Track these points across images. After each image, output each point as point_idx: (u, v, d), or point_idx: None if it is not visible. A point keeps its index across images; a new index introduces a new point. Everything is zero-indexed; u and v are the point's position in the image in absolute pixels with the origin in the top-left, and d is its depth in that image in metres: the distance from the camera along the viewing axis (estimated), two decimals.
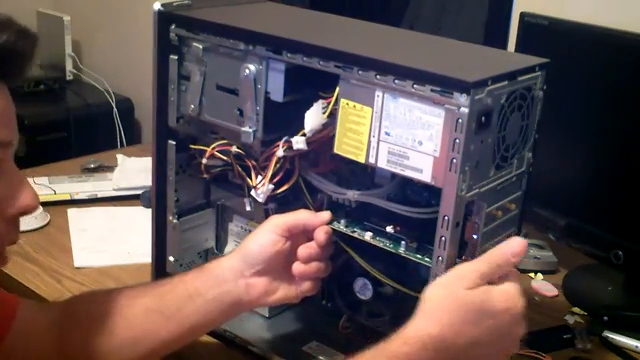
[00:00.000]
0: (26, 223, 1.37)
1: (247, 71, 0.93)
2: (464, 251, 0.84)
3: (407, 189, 0.91)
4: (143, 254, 1.23)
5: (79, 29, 2.48)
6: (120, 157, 1.68)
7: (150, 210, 1.08)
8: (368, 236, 0.92)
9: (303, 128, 0.90)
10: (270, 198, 0.97)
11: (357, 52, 0.84)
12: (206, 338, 1.03)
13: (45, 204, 1.44)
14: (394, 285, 0.92)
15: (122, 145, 2.32)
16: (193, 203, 1.09)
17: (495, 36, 1.48)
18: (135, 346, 0.90)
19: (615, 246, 1.20)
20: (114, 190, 1.55)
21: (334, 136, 0.87)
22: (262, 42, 0.91)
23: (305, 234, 0.93)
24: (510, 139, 0.85)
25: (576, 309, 1.23)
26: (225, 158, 0.99)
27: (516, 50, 1.29)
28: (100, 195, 1.53)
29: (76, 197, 1.51)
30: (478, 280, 0.77)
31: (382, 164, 0.84)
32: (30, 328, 0.89)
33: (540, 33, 1.27)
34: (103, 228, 1.41)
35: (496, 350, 0.78)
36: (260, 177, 0.97)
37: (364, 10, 1.68)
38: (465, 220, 0.82)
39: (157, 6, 0.99)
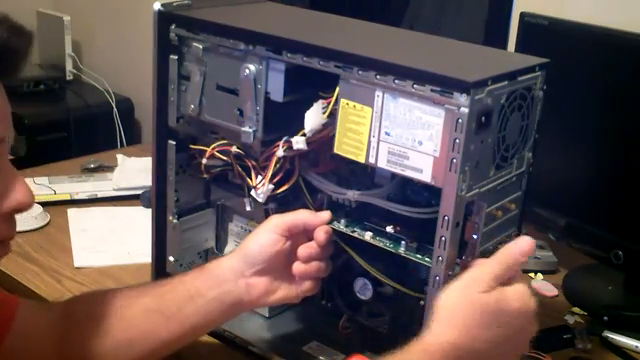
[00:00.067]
0: (26, 223, 1.37)
1: (247, 71, 0.93)
2: (464, 251, 0.84)
3: (407, 189, 0.91)
4: (143, 254, 1.23)
5: (79, 29, 2.48)
6: (120, 157, 1.68)
7: (150, 210, 1.08)
8: (368, 236, 0.92)
9: (303, 128, 0.90)
10: (270, 198, 0.97)
11: (357, 52, 0.84)
12: (206, 338, 1.03)
13: (45, 204, 1.44)
14: (394, 285, 0.92)
15: (122, 145, 2.32)
16: (193, 203, 1.09)
17: (495, 36, 1.48)
18: (135, 346, 0.90)
19: (615, 246, 1.20)
20: (114, 190, 1.55)
21: (334, 136, 0.87)
22: (262, 42, 0.91)
23: (305, 234, 0.93)
24: (510, 139, 0.85)
25: (576, 309, 1.23)
26: (225, 158, 0.99)
27: (516, 50, 1.29)
28: (100, 195, 1.53)
29: (76, 197, 1.51)
30: (492, 283, 0.77)
31: (382, 164, 0.84)
32: (30, 329, 0.89)
33: (540, 33, 1.27)
34: (103, 228, 1.41)
35: (511, 350, 0.79)
36: (260, 177, 0.97)
37: (364, 10, 1.68)
38: (465, 220, 0.82)
39: (157, 6, 0.99)
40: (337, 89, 0.86)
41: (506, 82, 0.81)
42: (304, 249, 0.92)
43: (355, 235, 0.93)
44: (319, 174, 0.96)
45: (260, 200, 0.97)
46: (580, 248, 1.31)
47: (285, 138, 0.93)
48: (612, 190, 1.23)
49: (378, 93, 0.82)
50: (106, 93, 2.35)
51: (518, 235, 0.93)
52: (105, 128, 2.33)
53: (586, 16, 1.26)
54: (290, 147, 0.92)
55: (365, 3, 1.72)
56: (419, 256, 0.88)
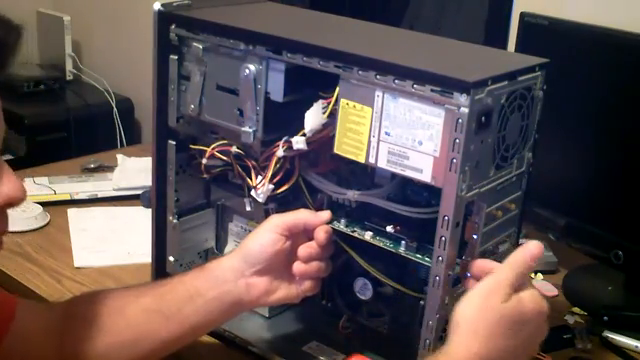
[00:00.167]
0: (26, 223, 1.37)
1: (247, 71, 0.93)
2: (464, 251, 0.84)
3: (407, 189, 0.91)
4: (143, 254, 1.24)
5: (79, 29, 2.48)
6: (120, 157, 1.68)
7: (150, 210, 1.08)
8: (368, 236, 0.92)
9: (303, 128, 0.90)
10: (270, 198, 0.97)
11: (357, 52, 0.84)
12: (206, 338, 1.03)
13: (45, 204, 1.44)
14: (394, 285, 0.92)
15: (122, 145, 2.32)
16: (193, 203, 1.09)
17: (495, 36, 1.47)
18: (135, 346, 0.90)
19: (615, 246, 1.20)
20: (114, 190, 1.55)
21: (334, 136, 0.87)
22: (262, 42, 0.91)
23: (305, 234, 0.93)
24: (510, 139, 0.85)
25: (576, 309, 1.23)
26: (225, 158, 0.99)
27: (516, 50, 1.29)
28: (100, 195, 1.53)
29: (76, 197, 1.51)
30: (509, 290, 0.77)
31: (382, 164, 0.84)
32: (29, 329, 0.88)
33: (540, 33, 1.27)
34: (103, 228, 1.41)
35: (526, 353, 0.80)
36: (260, 177, 0.97)
37: (364, 10, 1.68)
38: (465, 220, 0.82)
39: (157, 6, 0.99)
40: (337, 89, 0.86)
41: (506, 82, 0.81)
42: (304, 249, 0.92)
43: (355, 235, 0.93)
44: (319, 174, 0.96)
45: (260, 200, 0.97)
46: (580, 248, 1.31)
47: (285, 138, 0.93)
48: (612, 190, 1.23)
49: (378, 93, 0.82)
50: (106, 93, 2.35)
51: (518, 235, 0.93)
52: (105, 128, 2.33)
53: (586, 16, 1.26)
54: (290, 147, 0.92)
55: (365, 3, 1.71)
56: (419, 256, 0.88)
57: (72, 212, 1.46)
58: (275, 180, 0.95)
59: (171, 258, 1.08)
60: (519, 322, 0.77)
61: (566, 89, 1.11)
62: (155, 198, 1.07)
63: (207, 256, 1.13)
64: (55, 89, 2.35)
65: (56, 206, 1.46)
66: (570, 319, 1.20)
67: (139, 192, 1.53)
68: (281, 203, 0.99)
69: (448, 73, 0.78)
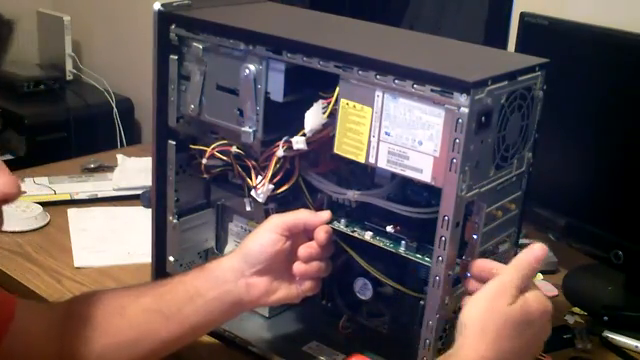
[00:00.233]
0: (26, 223, 1.37)
1: (247, 71, 0.93)
2: (464, 251, 0.84)
3: (407, 189, 0.91)
4: (143, 254, 1.24)
5: (79, 29, 2.48)
6: (120, 157, 1.68)
7: (150, 210, 1.08)
8: (368, 236, 0.92)
9: (303, 128, 0.90)
10: (270, 198, 0.97)
11: (357, 52, 0.84)
12: (206, 338, 1.03)
13: (45, 204, 1.44)
14: (394, 285, 0.92)
15: (122, 145, 2.32)
16: (193, 203, 1.09)
17: (495, 36, 1.47)
18: (135, 346, 0.90)
19: (615, 246, 1.20)
20: (114, 190, 1.55)
21: (334, 136, 0.87)
22: (262, 42, 0.91)
23: (305, 234, 0.93)
24: (510, 139, 0.85)
25: (576, 309, 1.23)
26: (225, 158, 0.99)
27: (516, 50, 1.29)
28: (100, 195, 1.53)
29: (76, 197, 1.50)
30: (515, 292, 0.78)
31: (382, 164, 0.84)
32: (29, 329, 0.88)
33: (540, 33, 1.27)
34: (103, 228, 1.41)
35: (531, 353, 0.80)
36: (260, 177, 0.97)
37: (364, 10, 1.68)
38: (465, 220, 0.82)
39: (157, 6, 0.99)
40: (337, 89, 0.86)
41: (506, 82, 0.81)
42: (304, 249, 0.92)
43: (355, 235, 0.93)
44: (319, 174, 0.96)
45: (260, 200, 0.97)
46: (580, 248, 1.31)
47: (285, 138, 0.93)
48: (612, 190, 1.23)
49: (378, 93, 0.82)
50: (106, 93, 2.35)
51: (518, 235, 0.93)
52: (105, 128, 2.33)
53: (586, 16, 1.26)
54: (290, 147, 0.92)
55: (365, 3, 1.71)
56: (419, 256, 0.88)
57: (72, 212, 1.46)
58: (275, 180, 0.95)
59: (171, 258, 1.08)
60: (525, 323, 0.77)
61: (566, 89, 1.11)
62: (155, 198, 1.07)
63: (207, 256, 1.13)
64: (55, 89, 2.35)
65: (56, 206, 1.46)
66: (570, 319, 1.20)
67: (139, 192, 1.53)
68: (281, 203, 0.99)
69: (448, 73, 0.78)
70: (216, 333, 1.04)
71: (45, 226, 1.40)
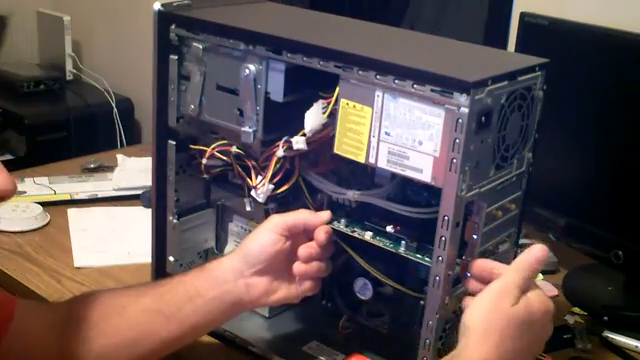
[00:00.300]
0: (26, 223, 1.37)
1: (247, 71, 0.93)
2: (464, 251, 0.84)
3: (407, 189, 0.91)
4: (143, 254, 1.24)
5: (79, 29, 2.48)
6: (120, 157, 1.68)
7: (150, 210, 1.08)
8: (368, 236, 0.92)
9: (303, 128, 0.90)
10: (270, 198, 0.97)
11: (357, 52, 0.84)
12: (206, 338, 1.03)
13: (45, 204, 1.44)
14: (394, 285, 0.92)
15: (122, 145, 2.32)
16: (193, 203, 1.09)
17: (495, 36, 1.47)
18: (135, 346, 0.90)
19: (615, 246, 1.20)
20: (114, 190, 1.54)
21: (334, 136, 0.87)
22: (262, 42, 0.91)
23: (305, 234, 0.93)
24: (510, 139, 0.85)
25: (576, 309, 1.23)
26: (225, 158, 0.99)
27: (516, 50, 1.29)
28: (100, 195, 1.52)
29: (76, 197, 1.50)
30: (518, 293, 0.78)
31: (382, 164, 0.84)
32: (29, 329, 0.88)
33: (540, 33, 1.27)
34: (103, 228, 1.41)
35: (532, 352, 0.81)
36: (260, 177, 0.97)
37: (364, 10, 1.68)
38: (465, 220, 0.82)
39: (157, 6, 0.99)
40: (337, 89, 0.86)
41: (506, 82, 0.81)
42: (304, 249, 0.92)
43: (355, 235, 0.93)
44: (319, 174, 0.96)
45: (260, 200, 0.97)
46: (580, 248, 1.31)
47: (285, 138, 0.93)
48: (612, 190, 1.23)
49: (378, 93, 0.82)
50: (106, 93, 2.35)
51: (518, 235, 0.93)
52: (105, 128, 2.33)
53: (586, 16, 1.26)
54: (290, 147, 0.92)
55: (365, 3, 1.71)
56: (419, 256, 0.88)
57: (72, 212, 1.46)
58: (275, 180, 0.95)
59: (171, 258, 1.08)
60: (528, 323, 0.77)
61: (566, 89, 1.11)
62: (155, 198, 1.07)
63: (207, 256, 1.13)
64: (55, 89, 2.35)
65: (56, 206, 1.46)
66: (570, 319, 1.20)
67: (139, 192, 1.53)
68: (281, 203, 0.99)
69: (448, 73, 0.78)
70: (216, 333, 1.04)
71: (45, 226, 1.40)
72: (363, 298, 0.96)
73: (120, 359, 0.90)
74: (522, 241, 1.00)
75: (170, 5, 0.99)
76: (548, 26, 1.26)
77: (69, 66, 2.43)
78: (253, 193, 0.97)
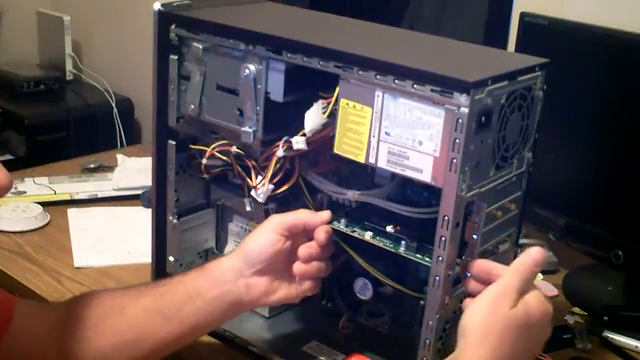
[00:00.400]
0: (26, 223, 1.37)
1: (247, 71, 0.93)
2: (464, 251, 0.84)
3: (407, 189, 0.91)
4: (143, 254, 1.24)
5: (79, 29, 2.48)
6: (120, 157, 1.68)
7: (150, 210, 1.08)
8: (368, 236, 0.92)
9: (303, 128, 0.90)
10: (270, 198, 0.97)
11: (357, 52, 0.84)
12: (206, 338, 1.03)
13: (45, 204, 1.44)
14: (394, 285, 0.92)
15: (122, 145, 2.32)
16: (193, 203, 1.09)
17: (495, 36, 1.47)
18: (135, 346, 0.90)
19: (615, 246, 1.20)
20: (114, 190, 1.55)
21: (334, 136, 0.87)
22: (262, 42, 0.91)
23: (305, 234, 0.93)
24: (510, 139, 0.85)
25: (576, 309, 1.23)
26: (225, 158, 0.99)
27: (516, 50, 1.29)
28: (100, 195, 1.53)
29: (76, 197, 1.50)
30: (516, 296, 0.78)
31: (382, 164, 0.84)
32: (28, 329, 0.88)
33: (540, 33, 1.27)
34: (103, 228, 1.41)
35: (530, 354, 0.81)
36: (260, 177, 0.97)
37: (364, 10, 1.68)
38: (465, 220, 0.82)
39: (157, 6, 0.99)
40: (337, 89, 0.86)
41: (506, 82, 0.81)
42: (304, 249, 0.92)
43: (355, 235, 0.93)
44: (319, 174, 0.96)
45: (260, 200, 0.97)
46: (580, 248, 1.31)
47: (285, 138, 0.93)
48: (612, 190, 1.23)
49: (378, 93, 0.82)
50: (106, 93, 2.35)
51: (518, 235, 0.93)
52: (105, 128, 2.33)
53: (586, 16, 1.26)
54: (290, 147, 0.92)
55: (365, 3, 1.71)
56: (419, 256, 0.88)
57: (72, 212, 1.46)
58: (275, 180, 0.95)
59: (171, 258, 1.08)
60: (526, 326, 0.77)
61: (566, 89, 1.11)
62: (155, 198, 1.07)
63: (207, 256, 1.13)
64: (55, 89, 2.35)
65: (56, 206, 1.46)
66: (570, 319, 1.20)
67: (139, 192, 1.53)
68: (281, 203, 0.99)
69: (448, 73, 0.78)
70: (216, 333, 1.04)
71: (45, 226, 1.40)
72: (363, 298, 0.96)
73: (120, 359, 0.90)
74: (522, 241, 1.00)
75: (170, 5, 0.99)
76: (548, 26, 1.26)
77: (69, 66, 2.43)
78: (253, 193, 0.97)
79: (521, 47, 1.28)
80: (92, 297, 0.93)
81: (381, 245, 0.91)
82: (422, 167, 0.81)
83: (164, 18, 0.99)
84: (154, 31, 0.99)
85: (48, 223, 1.41)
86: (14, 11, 2.49)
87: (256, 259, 0.92)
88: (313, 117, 0.89)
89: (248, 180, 0.98)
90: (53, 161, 1.72)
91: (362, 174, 0.95)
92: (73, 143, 2.23)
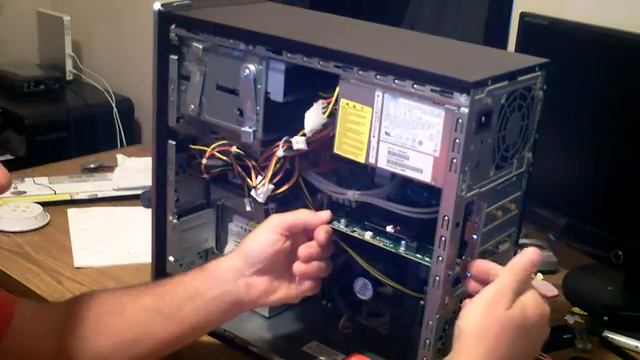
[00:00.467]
0: (26, 223, 1.37)
1: (247, 71, 0.93)
2: (464, 251, 0.84)
3: (407, 189, 0.91)
4: (143, 254, 1.24)
5: (79, 29, 2.48)
6: (120, 157, 1.68)
7: (150, 210, 1.08)
8: (368, 236, 0.92)
9: (303, 128, 0.90)
10: (270, 198, 0.97)
11: (357, 52, 0.84)
12: (206, 338, 1.03)
13: (45, 204, 1.44)
14: (394, 285, 0.92)
15: (122, 145, 2.32)
16: (193, 203, 1.09)
17: (495, 36, 1.47)
18: (135, 346, 0.90)
19: (615, 246, 1.20)
20: (114, 190, 1.55)
21: (334, 136, 0.87)
22: (262, 42, 0.91)
23: (305, 233, 0.93)
24: (510, 139, 0.85)
25: (576, 309, 1.23)
26: (225, 158, 1.00)
27: (516, 50, 1.29)
28: (100, 195, 1.53)
29: (76, 197, 1.50)
30: (512, 297, 0.78)
31: (382, 164, 0.84)
32: (28, 329, 0.88)
33: (540, 33, 1.27)
34: (103, 228, 1.41)
35: (528, 355, 0.80)
36: (260, 177, 0.97)
37: (364, 10, 1.68)
38: (465, 220, 0.82)
39: (157, 6, 0.99)
40: (337, 89, 0.86)
41: (506, 82, 0.81)
42: (304, 249, 0.92)
43: (355, 235, 0.93)
44: (319, 174, 0.96)
45: (260, 200, 0.97)
46: (580, 248, 1.31)
47: (285, 138, 0.93)
48: (612, 190, 1.23)
49: (378, 93, 0.82)
50: (106, 93, 2.35)
51: (518, 235, 0.93)
52: (105, 128, 2.33)
53: (586, 16, 1.26)
54: (290, 147, 0.92)
55: (365, 3, 1.71)
56: (419, 256, 0.88)
57: (72, 212, 1.46)
58: (275, 180, 0.95)
59: (171, 258, 1.08)
60: (523, 327, 0.77)
61: (566, 89, 1.11)
62: (155, 198, 1.07)
63: (207, 256, 1.13)
64: (55, 89, 2.35)
65: (56, 206, 1.46)
66: (570, 319, 1.20)
67: (139, 192, 1.53)
68: (281, 203, 0.99)
69: (448, 73, 0.78)
70: (216, 333, 1.04)
71: (45, 226, 1.40)
72: (363, 298, 0.96)
73: (120, 359, 0.90)
74: (522, 241, 1.00)
75: (170, 5, 0.99)
76: (548, 26, 1.26)
77: (69, 66, 2.43)
78: (253, 193, 0.97)
79: (521, 47, 1.28)
80: (92, 297, 0.93)
81: (381, 245, 0.91)
82: (422, 167, 0.81)
83: (164, 18, 0.99)
84: (154, 31, 0.99)
85: (48, 223, 1.41)
86: (14, 11, 2.49)
87: (256, 259, 0.92)
88: (313, 117, 0.89)
89: (248, 180, 0.98)
90: (53, 161, 1.72)
91: (362, 174, 0.95)
92: (73, 143, 2.23)
